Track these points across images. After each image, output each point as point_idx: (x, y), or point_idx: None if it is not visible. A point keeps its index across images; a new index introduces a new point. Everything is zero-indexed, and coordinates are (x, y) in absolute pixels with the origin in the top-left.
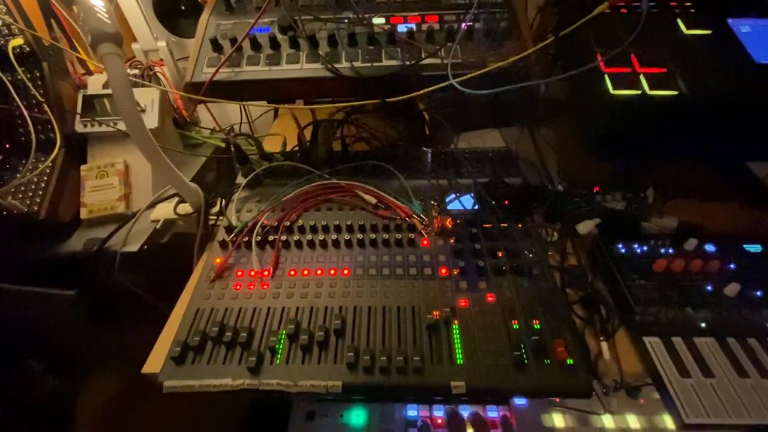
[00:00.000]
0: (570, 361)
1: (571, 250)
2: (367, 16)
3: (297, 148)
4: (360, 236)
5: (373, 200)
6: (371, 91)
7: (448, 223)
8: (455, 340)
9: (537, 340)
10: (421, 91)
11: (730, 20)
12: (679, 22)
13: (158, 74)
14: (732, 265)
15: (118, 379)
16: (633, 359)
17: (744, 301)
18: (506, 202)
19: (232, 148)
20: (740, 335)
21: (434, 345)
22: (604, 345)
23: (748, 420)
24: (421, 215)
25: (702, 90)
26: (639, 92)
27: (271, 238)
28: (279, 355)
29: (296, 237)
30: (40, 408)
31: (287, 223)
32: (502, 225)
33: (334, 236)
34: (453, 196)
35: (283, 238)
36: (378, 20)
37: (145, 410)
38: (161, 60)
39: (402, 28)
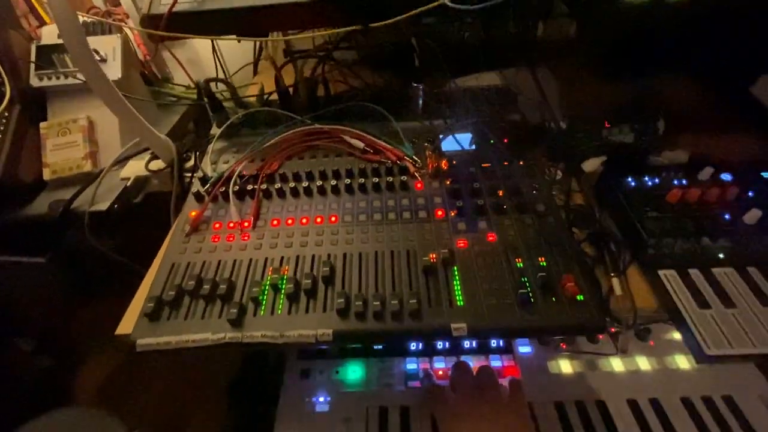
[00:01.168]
0: (580, 297)
1: (576, 189)
2: None
3: (275, 94)
4: (348, 182)
5: (361, 144)
6: (353, 15)
7: (444, 164)
8: (455, 282)
9: (543, 277)
10: (409, 13)
11: None
12: None
13: (120, 22)
14: (750, 193)
15: (109, 352)
16: (646, 296)
17: (765, 229)
18: (506, 141)
19: (204, 97)
20: (762, 263)
21: (432, 288)
22: (615, 281)
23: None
24: (414, 157)
25: None
26: None
27: (250, 187)
28: (263, 307)
29: (278, 186)
30: (35, 387)
31: (267, 172)
32: (504, 163)
33: (319, 183)
34: (448, 135)
35: (264, 187)
36: None
37: (139, 379)
38: (125, 11)
39: None
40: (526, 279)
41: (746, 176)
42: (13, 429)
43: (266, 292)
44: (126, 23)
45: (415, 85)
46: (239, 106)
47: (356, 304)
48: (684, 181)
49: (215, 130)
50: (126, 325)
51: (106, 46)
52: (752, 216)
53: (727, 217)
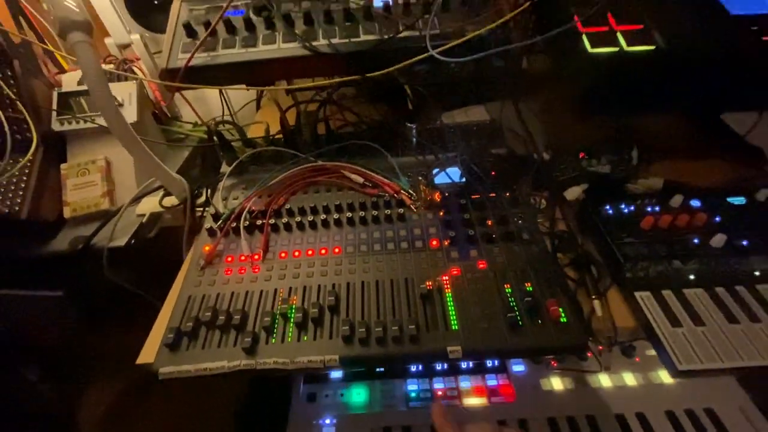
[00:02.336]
0: (563, 319)
1: (560, 216)
2: None
3: (280, 134)
4: (349, 215)
5: (360, 179)
6: (351, 68)
7: (437, 196)
8: (449, 308)
9: (530, 301)
10: (402, 64)
11: None
12: None
13: (134, 69)
14: (717, 218)
15: (116, 380)
16: (626, 315)
17: (730, 251)
18: (493, 173)
19: (215, 137)
20: (728, 284)
21: (429, 314)
22: (596, 303)
23: (740, 363)
24: (409, 190)
25: (678, 43)
26: (617, 49)
27: (259, 222)
28: (274, 335)
29: (285, 220)
30: (41, 416)
31: (275, 207)
32: (491, 195)
33: (323, 217)
34: (439, 169)
35: (272, 221)
36: None
37: (145, 408)
38: (136, 56)
39: (378, 2)
40: (514, 303)
41: (713, 202)
42: None
43: (277, 322)
44: (140, 69)
45: (409, 125)
46: (246, 145)
47: (360, 331)
48: (657, 208)
49: (225, 168)
50: (146, 355)
51: (123, 92)
52: (718, 240)
53: (696, 241)
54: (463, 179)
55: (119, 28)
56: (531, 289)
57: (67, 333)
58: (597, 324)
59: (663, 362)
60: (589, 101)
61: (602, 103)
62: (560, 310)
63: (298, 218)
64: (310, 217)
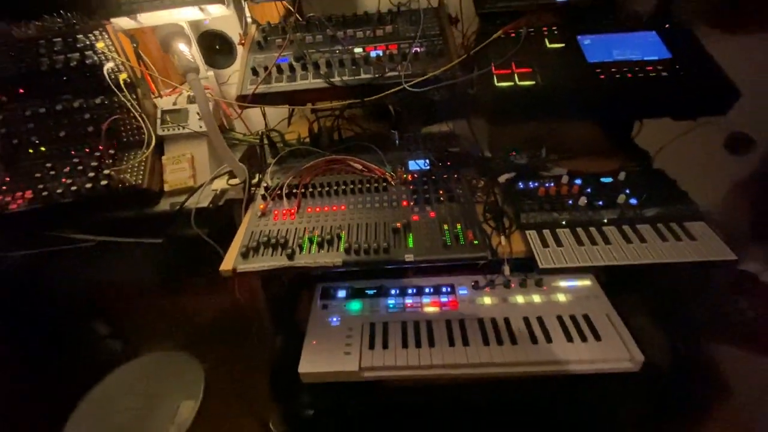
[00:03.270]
0: (476, 242)
1: (495, 191)
2: (350, 47)
3: (308, 138)
4: (351, 187)
5: (360, 167)
6: (355, 95)
7: (409, 177)
8: (409, 236)
9: (456, 232)
10: (385, 93)
11: (579, 36)
12: (546, 39)
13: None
14: (588, 189)
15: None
16: (521, 246)
17: (590, 208)
18: (448, 163)
19: (265, 139)
20: (585, 226)
21: (396, 239)
22: (502, 239)
23: (577, 263)
24: (391, 173)
25: (551, 81)
26: (512, 84)
27: (294, 191)
28: (304, 249)
29: (310, 190)
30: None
31: (304, 183)
32: (444, 176)
33: (335, 188)
34: (412, 160)
35: (302, 191)
36: (358, 49)
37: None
38: (209, 85)
39: (373, 53)
40: (447, 234)
41: (590, 180)
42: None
43: (305, 242)
44: (212, 94)
45: (393, 131)
46: (285, 145)
47: (354, 246)
48: (552, 183)
49: (270, 160)
50: (227, 264)
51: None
52: (582, 201)
53: (569, 202)
54: (428, 167)
55: (201, 65)
56: (459, 227)
57: (162, 277)
58: (502, 250)
59: (535, 268)
60: (498, 116)
61: (504, 117)
62: (474, 238)
63: (319, 189)
64: (327, 189)
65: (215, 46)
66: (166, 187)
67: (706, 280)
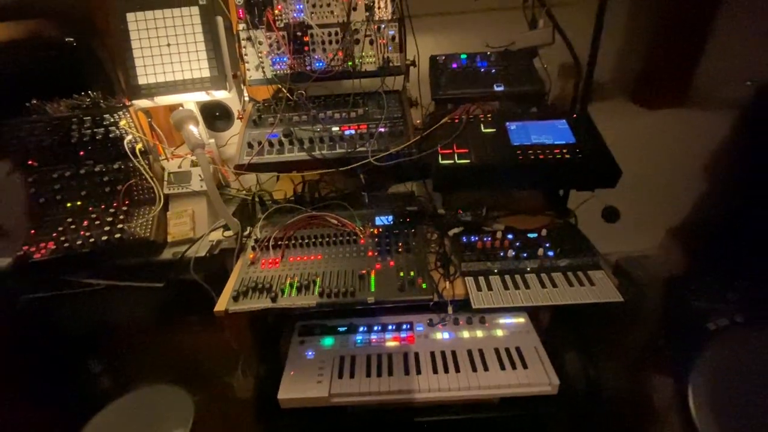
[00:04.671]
0: (424, 286)
1: (444, 243)
2: (328, 126)
3: (293, 196)
4: (327, 240)
5: (335, 222)
6: (332, 165)
7: (375, 231)
8: (371, 281)
9: (410, 279)
10: (355, 165)
11: (507, 123)
12: (481, 125)
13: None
14: (517, 243)
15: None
16: (462, 289)
17: (517, 259)
18: (408, 219)
19: (257, 198)
20: (512, 274)
21: (362, 284)
22: (447, 284)
23: (501, 304)
24: (361, 228)
25: (482, 160)
26: (452, 162)
27: (279, 243)
28: (285, 293)
29: (293, 242)
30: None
31: (288, 236)
32: (404, 231)
33: (313, 240)
34: (379, 216)
35: (286, 243)
36: (335, 128)
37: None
38: (210, 150)
39: (347, 132)
40: (402, 280)
41: (519, 235)
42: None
43: (287, 287)
44: (212, 157)
45: (363, 192)
46: (273, 203)
47: (327, 290)
48: (489, 238)
49: (260, 215)
50: (220, 306)
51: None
52: (510, 253)
53: (501, 254)
54: (391, 222)
55: (204, 135)
56: (413, 274)
57: (161, 317)
58: (446, 293)
59: (470, 319)
60: (441, 187)
61: (446, 187)
62: (423, 283)
63: (300, 241)
64: (307, 241)
65: (215, 113)
66: (170, 238)
67: (639, 314)
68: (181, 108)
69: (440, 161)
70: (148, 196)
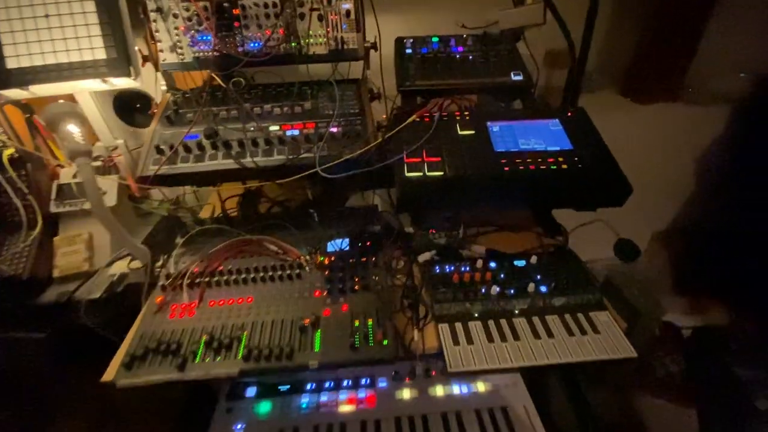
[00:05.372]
0: (386, 342)
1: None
2: (265, 125)
3: (221, 214)
4: (262, 275)
5: (275, 248)
6: (267, 176)
7: (326, 260)
8: (316, 336)
9: (367, 331)
10: (296, 176)
11: (488, 123)
12: (457, 126)
13: (117, 164)
14: (502, 275)
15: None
16: (435, 340)
17: (502, 297)
18: (368, 243)
19: (172, 218)
20: (497, 318)
21: (303, 339)
22: (415, 333)
23: (485, 366)
24: (307, 256)
25: (458, 172)
26: (421, 174)
27: (198, 281)
28: (198, 357)
29: (216, 279)
30: None
31: (210, 270)
32: (362, 259)
33: (243, 276)
34: (332, 240)
35: (207, 280)
36: (274, 127)
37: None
38: (119, 152)
39: (289, 132)
40: (357, 332)
41: (504, 264)
42: None
43: (200, 348)
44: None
45: (311, 211)
46: (197, 223)
47: (255, 352)
48: (467, 268)
49: (179, 240)
50: (109, 375)
51: (108, 183)
52: (494, 290)
53: (483, 290)
54: (348, 246)
55: (108, 136)
56: (371, 323)
57: (45, 372)
58: (415, 346)
59: (444, 370)
60: (407, 205)
61: (413, 206)
62: (384, 338)
63: (226, 277)
64: (234, 277)
65: (136, 105)
66: (56, 273)
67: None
68: (60, 102)
69: (406, 173)
70: (21, 219)
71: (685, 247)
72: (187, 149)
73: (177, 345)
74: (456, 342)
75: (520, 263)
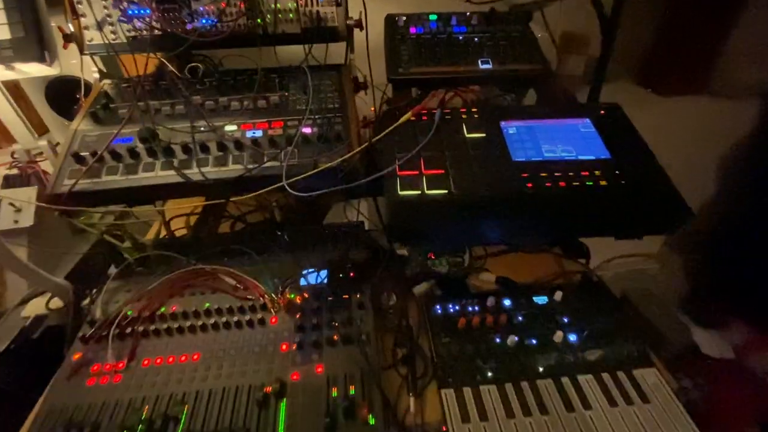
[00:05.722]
0: (371, 421)
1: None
2: (219, 124)
3: (166, 237)
4: (215, 320)
5: (233, 282)
6: (220, 192)
7: (298, 299)
8: (281, 415)
9: (346, 406)
10: (257, 192)
11: (502, 123)
12: (464, 126)
13: (39, 172)
14: (519, 317)
15: None
16: (437, 409)
17: (521, 350)
18: (352, 275)
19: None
20: (516, 379)
21: (262, 417)
22: (411, 401)
23: None
24: (273, 295)
25: (466, 189)
26: (419, 192)
27: (129, 330)
28: None
29: (155, 326)
30: None
31: (148, 313)
32: (344, 296)
33: (190, 323)
34: (305, 272)
35: (142, 328)
36: (230, 127)
37: None
38: (42, 156)
39: (250, 134)
40: (335, 407)
41: (521, 301)
42: None
43: None
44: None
45: (279, 233)
46: (136, 248)
47: None
48: (476, 308)
49: (113, 270)
50: None
51: (24, 195)
52: (511, 340)
53: (497, 340)
54: (326, 279)
55: (26, 136)
56: (353, 392)
57: None
58: (411, 420)
59: None
60: (400, 235)
61: (409, 236)
62: (369, 414)
63: (168, 324)
64: (179, 323)
65: (75, 95)
66: None
67: None
68: None
69: (399, 191)
70: None
71: (708, 254)
72: (116, 156)
73: (93, 428)
74: (465, 418)
75: (541, 300)
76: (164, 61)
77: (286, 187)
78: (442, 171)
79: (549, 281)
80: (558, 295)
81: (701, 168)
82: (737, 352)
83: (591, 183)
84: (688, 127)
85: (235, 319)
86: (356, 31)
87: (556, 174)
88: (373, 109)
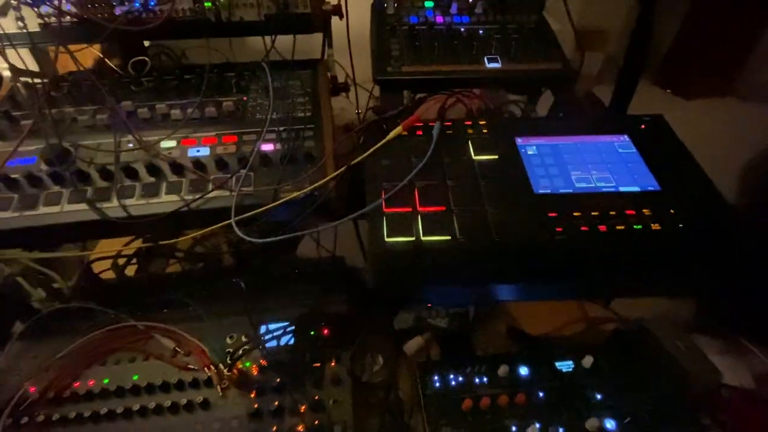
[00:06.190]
0: None
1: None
2: (153, 138)
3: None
4: (141, 403)
5: (172, 344)
6: (149, 231)
7: (254, 369)
8: None
9: None
10: (200, 233)
11: (518, 140)
12: (470, 145)
13: None
14: (540, 393)
15: None
16: None
17: None
18: (326, 332)
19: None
20: None
21: None
22: None
23: None
24: (220, 365)
25: (475, 234)
26: (412, 238)
27: (32, 415)
28: None
29: (65, 410)
30: None
31: (53, 393)
32: (315, 365)
33: (109, 406)
34: (266, 330)
35: (46, 414)
36: (168, 143)
37: None
38: None
39: (193, 152)
40: None
41: (541, 367)
42: None
43: None
44: None
45: (234, 280)
46: (55, 297)
47: None
48: (485, 379)
49: (18, 327)
50: None
51: None
52: (532, 427)
53: (514, 429)
54: (292, 341)
55: None
56: None
57: None
58: None
59: None
60: (388, 288)
61: (399, 293)
62: None
63: (82, 407)
64: (96, 405)
65: None
66: None
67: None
68: None
69: (385, 237)
70: None
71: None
72: (13, 185)
73: None
74: None
75: (565, 366)
76: (100, 54)
77: (234, 227)
78: (443, 208)
79: (571, 336)
80: (587, 361)
81: (726, 176)
82: (757, 381)
83: (639, 227)
84: (713, 132)
85: (169, 401)
86: (335, 19)
87: (593, 214)
88: (358, 111)
